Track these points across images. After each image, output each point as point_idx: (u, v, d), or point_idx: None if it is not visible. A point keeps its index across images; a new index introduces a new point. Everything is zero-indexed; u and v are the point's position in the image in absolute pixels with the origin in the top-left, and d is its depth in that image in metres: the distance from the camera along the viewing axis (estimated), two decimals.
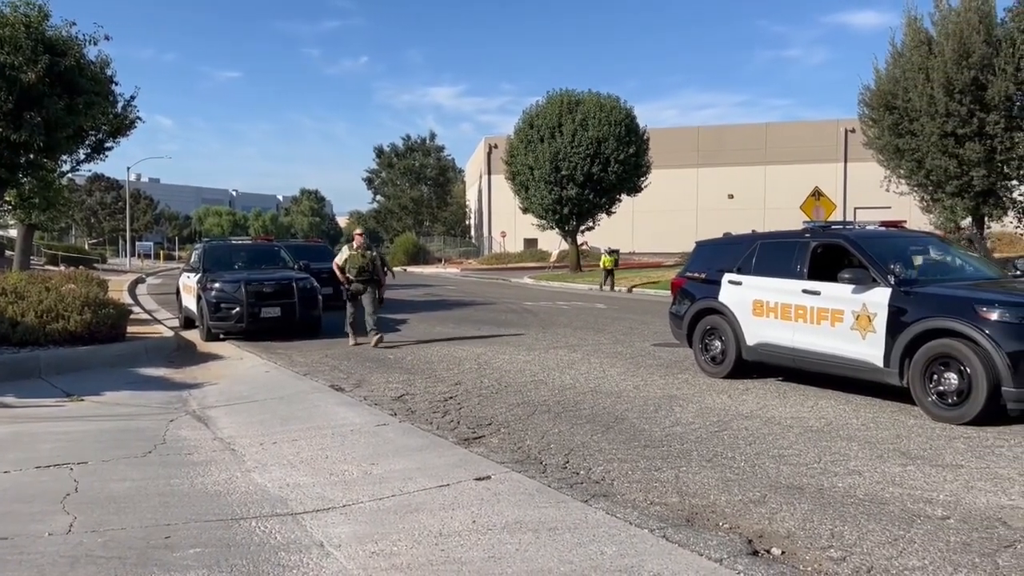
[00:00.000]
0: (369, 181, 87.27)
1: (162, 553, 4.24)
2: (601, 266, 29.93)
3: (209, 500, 5.19)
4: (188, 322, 15.24)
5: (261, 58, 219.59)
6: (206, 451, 6.52)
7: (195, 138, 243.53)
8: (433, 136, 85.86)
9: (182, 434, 7.13)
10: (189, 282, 14.99)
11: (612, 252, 29.48)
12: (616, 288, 28.62)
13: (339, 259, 12.79)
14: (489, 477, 5.47)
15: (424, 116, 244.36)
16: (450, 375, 9.83)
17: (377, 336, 12.35)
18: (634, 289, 28.14)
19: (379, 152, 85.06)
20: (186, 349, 12.75)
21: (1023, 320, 6.77)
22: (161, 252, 72.60)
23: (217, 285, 13.59)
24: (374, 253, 12.88)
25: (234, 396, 9.07)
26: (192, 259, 16.14)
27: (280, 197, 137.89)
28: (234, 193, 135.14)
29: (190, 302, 14.80)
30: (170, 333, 13.58)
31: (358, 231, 13.24)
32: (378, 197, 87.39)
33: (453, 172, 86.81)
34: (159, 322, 15.75)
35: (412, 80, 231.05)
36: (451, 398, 8.39)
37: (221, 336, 13.62)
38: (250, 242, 18.51)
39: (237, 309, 13.34)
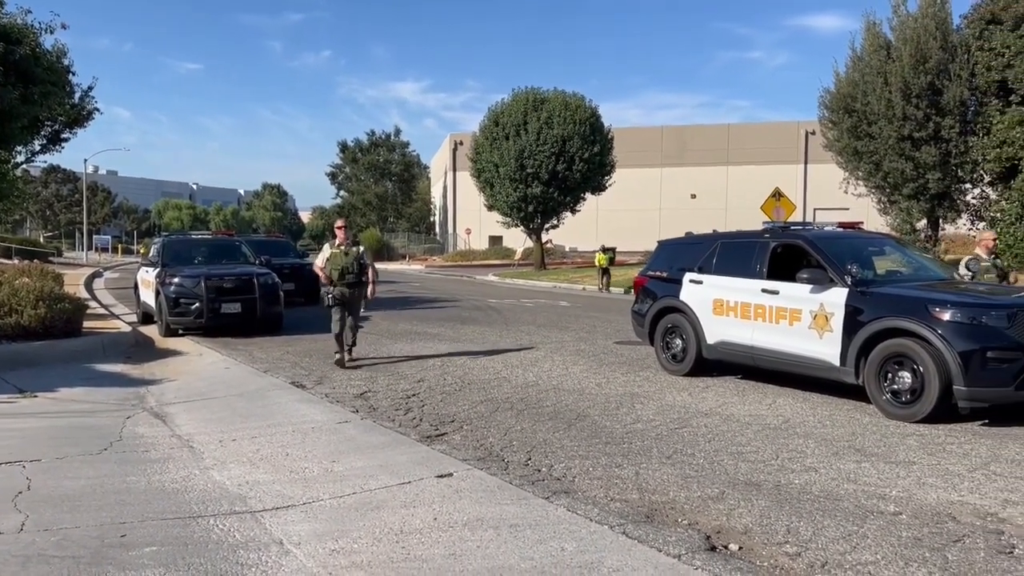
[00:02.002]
0: (333, 176, 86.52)
1: (117, 552, 4.17)
2: (596, 264, 28.31)
3: (166, 498, 5.12)
4: (146, 317, 14.99)
5: (222, 50, 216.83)
6: (164, 448, 6.42)
7: (154, 131, 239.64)
8: (398, 132, 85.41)
9: (139, 431, 7.01)
10: (148, 277, 14.75)
11: (607, 250, 27.81)
12: (611, 289, 26.79)
13: (319, 259, 10.64)
14: (451, 474, 5.47)
15: (388, 111, 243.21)
16: (413, 372, 9.81)
17: (349, 350, 10.47)
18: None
19: (343, 147, 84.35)
20: (144, 345, 12.54)
21: (974, 320, 6.95)
22: (119, 246, 71.25)
23: (176, 280, 13.39)
24: (360, 250, 10.64)
25: (193, 393, 8.95)
26: (151, 253, 15.89)
27: (242, 191, 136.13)
28: (194, 187, 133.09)
29: (148, 297, 14.56)
30: (128, 328, 13.35)
31: (339, 223, 10.83)
32: (342, 192, 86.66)
33: (418, 168, 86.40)
34: (117, 317, 15.47)
35: (376, 75, 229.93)
36: (414, 395, 8.37)
37: (180, 332, 13.42)
38: (210, 236, 18.25)
39: (197, 304, 13.16)
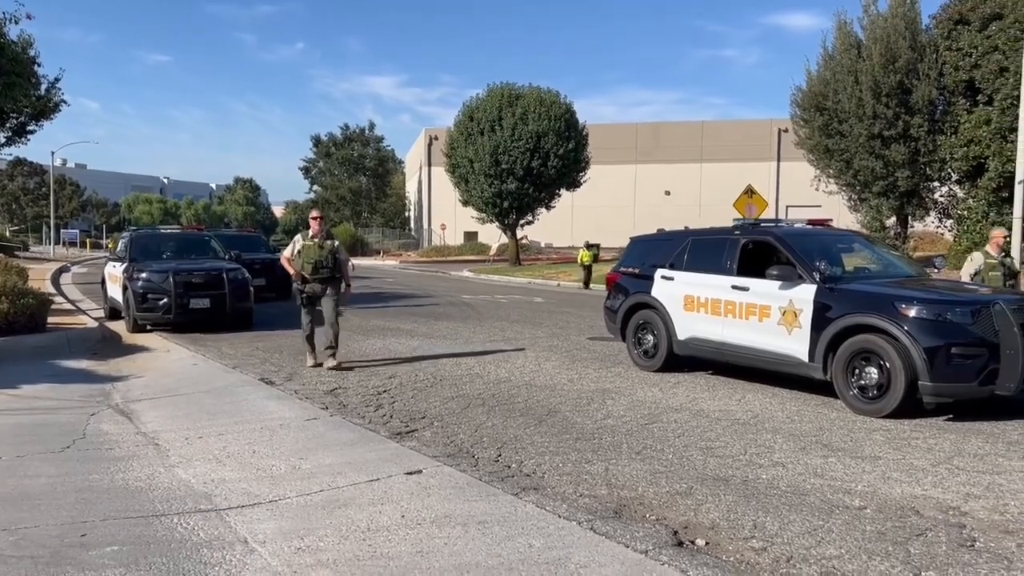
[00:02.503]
0: (306, 170, 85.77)
1: (77, 552, 4.10)
2: (579, 261, 27.52)
3: (129, 496, 5.04)
4: (114, 313, 14.79)
5: (193, 42, 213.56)
6: (128, 446, 6.33)
7: (124, 123, 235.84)
8: (372, 126, 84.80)
9: (103, 428, 6.90)
10: (115, 272, 14.53)
11: (591, 246, 27.26)
12: (591, 286, 25.82)
13: (288, 250, 9.93)
14: (420, 471, 5.44)
15: (363, 106, 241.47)
16: (384, 369, 9.75)
17: (332, 354, 9.59)
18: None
19: (316, 141, 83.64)
20: (111, 341, 12.35)
21: (939, 317, 7.04)
22: (88, 240, 70.16)
23: (144, 275, 13.20)
24: (335, 243, 9.88)
25: (160, 389, 8.83)
26: (119, 248, 15.66)
27: (213, 186, 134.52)
28: (165, 181, 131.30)
29: (116, 292, 14.35)
30: (94, 324, 13.16)
31: (315, 213, 9.98)
32: (315, 187, 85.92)
33: (393, 163, 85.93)
34: (83, 313, 15.24)
35: (350, 69, 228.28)
36: (384, 392, 8.32)
37: (148, 328, 13.24)
38: (179, 231, 18.02)
39: (165, 300, 12.99)
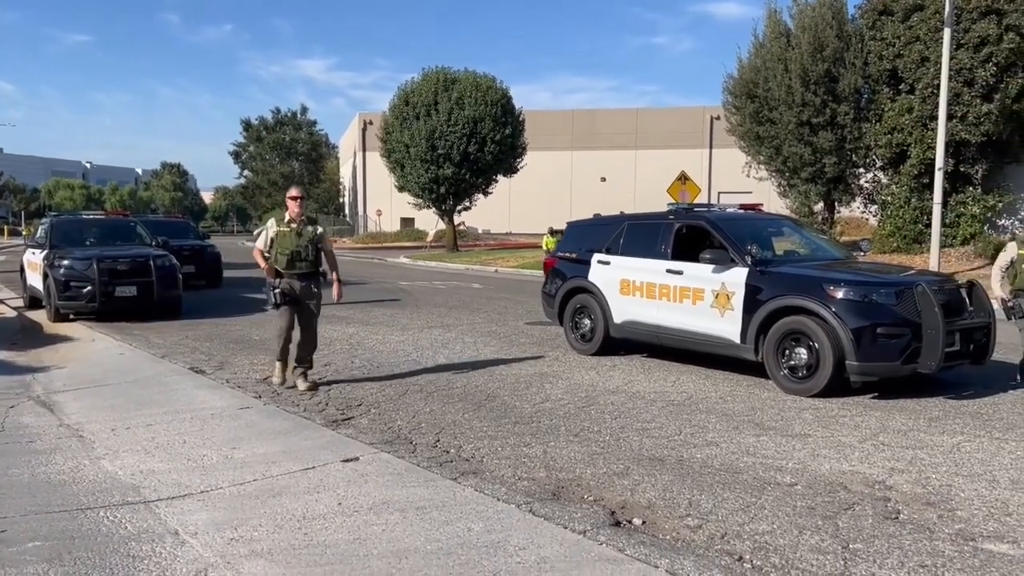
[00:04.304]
0: (236, 155, 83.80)
1: None
2: (544, 247, 26.84)
3: (52, 490, 4.85)
4: (34, 302, 14.20)
5: (114, 22, 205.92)
6: (50, 438, 6.08)
7: (43, 106, 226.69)
8: (305, 110, 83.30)
9: (24, 421, 6.63)
10: (35, 259, 13.94)
11: (555, 232, 25.35)
12: None
13: (260, 241, 7.87)
14: (357, 458, 5.37)
15: (295, 89, 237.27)
16: (319, 356, 9.53)
17: (304, 372, 7.78)
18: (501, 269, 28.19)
19: (247, 125, 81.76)
20: (31, 331, 11.88)
21: (865, 298, 7.26)
22: (5, 227, 67.26)
23: (66, 262, 12.70)
24: (318, 230, 7.91)
25: (84, 380, 8.51)
26: (38, 234, 15.02)
27: (139, 171, 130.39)
28: (88, 165, 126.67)
29: (36, 280, 13.77)
30: (12, 314, 12.64)
31: (294, 193, 7.89)
32: (246, 172, 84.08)
33: (326, 148, 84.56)
34: (0, 302, 14.59)
35: (281, 51, 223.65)
36: (320, 379, 8.18)
37: (71, 317, 12.75)
38: (103, 217, 17.37)
39: (89, 288, 12.52)
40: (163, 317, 13.04)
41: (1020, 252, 8.06)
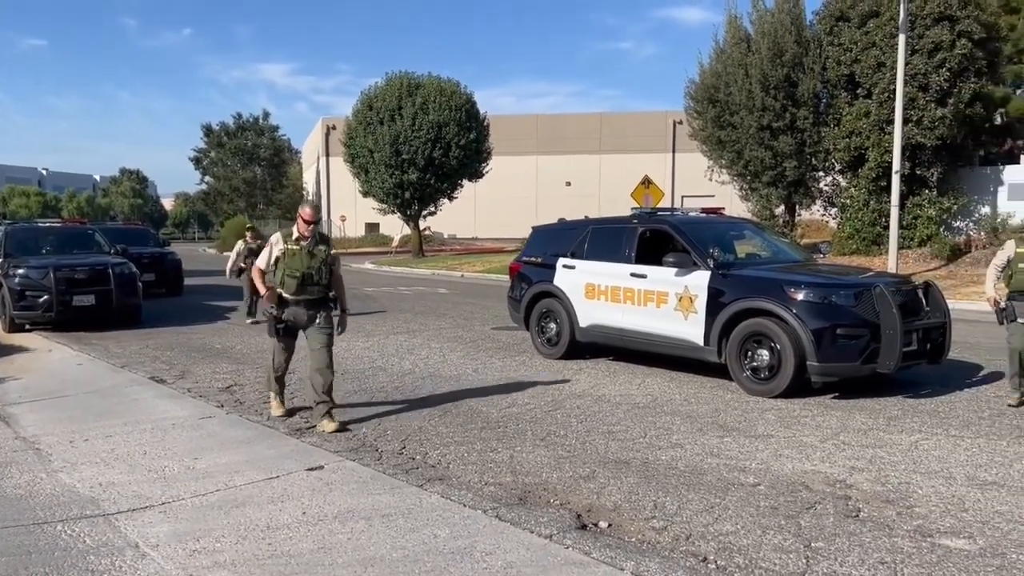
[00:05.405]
0: (197, 161, 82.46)
1: None
2: None
3: (8, 505, 4.73)
4: None
5: (69, 25, 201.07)
6: (5, 452, 5.94)
7: None
8: (267, 115, 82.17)
9: None
10: None
11: None
12: None
13: (262, 259, 6.90)
14: (322, 467, 5.33)
15: (256, 94, 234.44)
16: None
17: (328, 411, 6.53)
18: (466, 274, 28.20)
19: (207, 130, 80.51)
20: None
21: (824, 299, 7.38)
22: None
23: (22, 271, 12.44)
24: (330, 251, 6.79)
25: (41, 391, 8.33)
26: None
27: (97, 177, 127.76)
28: (44, 172, 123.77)
29: None
30: None
31: (307, 210, 6.66)
32: (207, 178, 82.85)
33: (289, 153, 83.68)
34: None
35: (241, 56, 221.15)
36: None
37: (27, 327, 12.49)
38: (60, 225, 17.02)
39: (45, 297, 12.27)
40: (122, 326, 12.82)
41: (1019, 251, 7.30)
